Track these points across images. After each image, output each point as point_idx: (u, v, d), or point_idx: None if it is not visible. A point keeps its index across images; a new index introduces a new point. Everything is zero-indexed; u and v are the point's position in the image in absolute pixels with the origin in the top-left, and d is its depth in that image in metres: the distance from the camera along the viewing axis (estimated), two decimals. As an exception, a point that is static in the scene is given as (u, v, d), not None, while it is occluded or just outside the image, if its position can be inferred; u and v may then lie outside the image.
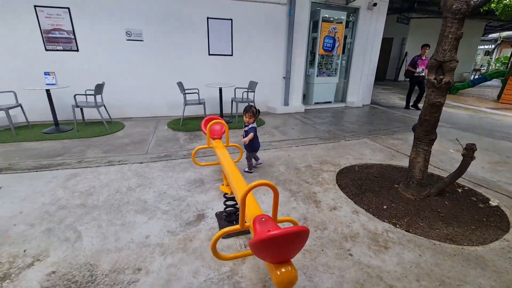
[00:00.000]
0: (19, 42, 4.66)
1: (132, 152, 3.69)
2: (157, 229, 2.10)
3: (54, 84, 4.41)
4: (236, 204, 2.12)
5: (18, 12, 4.53)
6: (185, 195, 2.60)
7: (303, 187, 2.81)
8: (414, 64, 6.89)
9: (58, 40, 4.82)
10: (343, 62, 7.50)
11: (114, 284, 1.59)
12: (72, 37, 4.87)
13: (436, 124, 2.48)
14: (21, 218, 2.20)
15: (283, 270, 1.10)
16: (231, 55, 5.98)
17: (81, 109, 4.77)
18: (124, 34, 5.12)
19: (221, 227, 2.10)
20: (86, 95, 4.62)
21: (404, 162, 3.45)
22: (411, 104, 7.43)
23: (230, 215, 2.15)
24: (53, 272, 1.68)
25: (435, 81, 2.32)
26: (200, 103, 5.10)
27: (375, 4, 6.80)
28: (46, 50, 4.80)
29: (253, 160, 3.20)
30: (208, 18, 5.54)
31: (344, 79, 7.69)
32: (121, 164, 3.29)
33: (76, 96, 4.42)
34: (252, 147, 3.06)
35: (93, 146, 3.91)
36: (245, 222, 1.36)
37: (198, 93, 5.11)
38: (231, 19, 5.72)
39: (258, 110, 3.07)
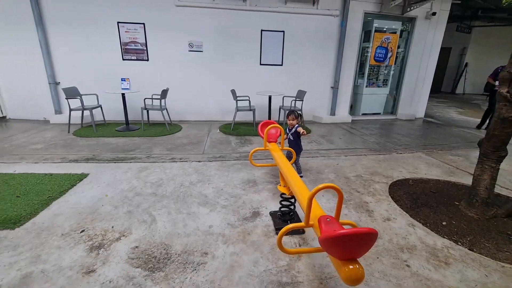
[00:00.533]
0: (103, 53, 5.49)
1: (191, 152, 4.07)
2: (218, 220, 2.33)
3: (128, 89, 5.09)
4: (291, 205, 2.25)
5: (104, 27, 5.36)
6: (240, 193, 2.82)
7: (354, 196, 2.82)
8: (497, 75, 6.25)
9: (133, 51, 5.56)
10: (395, 72, 7.23)
11: (186, 263, 1.82)
12: (145, 48, 5.57)
13: (508, 140, 2.33)
14: (107, 200, 2.62)
15: (351, 267, 1.19)
16: (281, 65, 6.21)
17: (148, 111, 5.39)
18: (187, 45, 5.68)
19: (275, 225, 2.24)
20: (152, 99, 5.22)
21: (465, 180, 3.23)
22: (484, 126, 6.15)
23: (284, 215, 2.29)
24: (136, 247, 1.98)
25: (507, 94, 2.20)
26: (250, 110, 5.38)
27: (434, 14, 6.48)
28: (123, 60, 5.57)
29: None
30: (262, 30, 5.87)
31: (395, 90, 7.39)
32: (182, 161, 3.66)
33: (145, 99, 5.03)
34: (299, 147, 3.15)
35: (157, 144, 4.40)
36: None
37: (249, 100, 5.41)
38: (283, 31, 5.97)
39: (300, 113, 3.30)
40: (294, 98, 5.56)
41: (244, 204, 2.60)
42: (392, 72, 7.05)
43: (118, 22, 5.35)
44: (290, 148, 2.76)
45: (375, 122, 6.75)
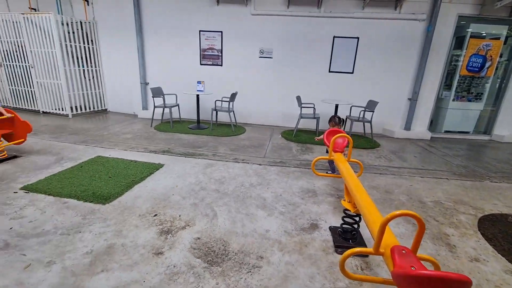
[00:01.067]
0: (184, 58, 6.14)
1: (252, 154, 4.18)
2: (275, 226, 2.32)
3: (202, 91, 5.55)
4: (355, 223, 2.08)
5: (188, 35, 5.99)
6: (299, 202, 2.75)
7: (432, 225, 2.45)
8: None
9: (210, 57, 6.06)
10: (493, 85, 6.07)
11: (242, 264, 1.86)
12: (220, 54, 6.01)
13: None
14: (177, 190, 2.89)
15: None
16: (352, 72, 5.89)
17: (217, 112, 5.78)
18: (258, 52, 5.91)
19: (335, 242, 2.11)
20: (222, 101, 5.58)
21: None
22: None
23: (346, 232, 2.14)
24: (198, 238, 2.12)
25: None
26: (314, 118, 5.25)
27: (559, 14, 5.23)
28: (201, 64, 6.12)
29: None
30: (334, 37, 5.69)
31: (492, 106, 6.20)
32: (244, 162, 3.79)
33: (216, 101, 5.41)
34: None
35: (222, 143, 4.67)
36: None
37: (314, 108, 5.28)
38: (358, 37, 5.66)
39: (343, 119, 3.40)
40: (363, 108, 5.19)
41: (302, 214, 2.53)
42: (488, 85, 5.94)
43: (200, 31, 5.91)
44: (357, 161, 2.57)
45: (462, 142, 5.78)
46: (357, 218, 2.05)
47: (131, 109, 6.80)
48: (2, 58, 6.34)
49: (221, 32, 5.90)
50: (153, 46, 6.19)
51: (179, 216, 2.41)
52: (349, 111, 5.58)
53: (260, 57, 5.95)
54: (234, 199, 2.74)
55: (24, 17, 5.68)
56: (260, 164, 3.75)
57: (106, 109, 7.03)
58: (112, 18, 6.24)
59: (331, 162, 3.30)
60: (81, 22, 6.16)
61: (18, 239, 1.99)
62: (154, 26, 6.04)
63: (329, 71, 5.93)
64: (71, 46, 5.99)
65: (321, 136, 3.65)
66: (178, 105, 5.82)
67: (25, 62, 6.10)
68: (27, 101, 6.49)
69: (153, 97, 5.44)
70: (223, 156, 4.03)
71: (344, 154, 2.62)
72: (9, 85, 6.51)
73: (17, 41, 6.05)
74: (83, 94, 6.42)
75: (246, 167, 3.64)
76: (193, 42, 6.01)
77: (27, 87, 6.33)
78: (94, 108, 6.73)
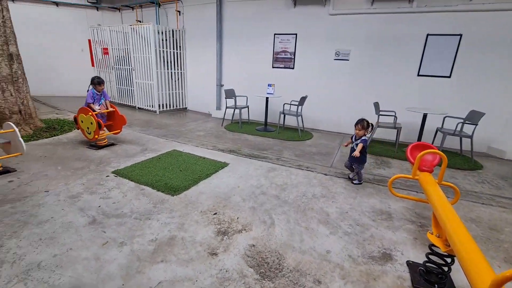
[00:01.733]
0: (257, 61, 6.26)
1: (318, 162, 3.91)
2: (338, 248, 2.05)
3: (272, 93, 5.55)
4: (445, 265, 1.64)
5: (262, 39, 6.09)
6: (368, 224, 2.39)
7: None
8: None
9: (282, 60, 6.01)
10: None
11: (296, 284, 1.68)
12: (292, 57, 5.91)
13: None
14: (238, 191, 2.89)
15: None
16: (449, 76, 4.93)
17: (284, 116, 5.69)
18: (333, 54, 5.55)
19: (414, 283, 1.71)
20: (290, 104, 5.46)
21: None
22: None
23: (430, 274, 1.71)
24: (253, 245, 2.04)
25: None
26: (394, 128, 4.59)
27: None
28: (273, 67, 6.14)
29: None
30: (428, 35, 4.87)
31: None
32: (308, 170, 3.57)
33: (284, 104, 5.32)
34: (362, 159, 3.12)
35: (288, 148, 4.53)
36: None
37: (395, 116, 4.62)
38: (460, 35, 4.70)
39: (371, 123, 3.14)
40: (462, 120, 4.27)
41: (372, 239, 2.18)
42: None
43: (275, 34, 5.94)
44: (452, 185, 2.05)
45: None
46: (449, 260, 1.61)
47: (206, 109, 7.35)
48: (114, 62, 7.73)
49: (295, 34, 5.78)
50: (230, 50, 6.54)
51: (237, 218, 2.38)
52: (442, 122, 4.68)
53: (336, 59, 5.57)
54: (294, 209, 2.57)
55: (131, 28, 6.77)
56: (325, 174, 3.47)
57: (186, 108, 7.79)
58: (197, 26, 6.87)
59: (359, 171, 3.17)
60: (172, 31, 6.98)
61: (103, 217, 2.29)
62: (232, 32, 6.36)
63: (418, 75, 5.10)
64: (163, 51, 6.84)
65: (348, 142, 3.43)
66: (248, 106, 5.97)
67: (129, 66, 7.28)
68: (128, 98, 7.73)
69: (226, 98, 5.72)
70: (287, 161, 3.89)
71: (431, 174, 2.14)
72: (116, 85, 7.89)
73: (124, 48, 7.27)
74: (169, 93, 7.26)
75: (310, 175, 3.41)
76: (267, 45, 6.08)
77: (129, 87, 7.54)
78: (176, 106, 7.53)
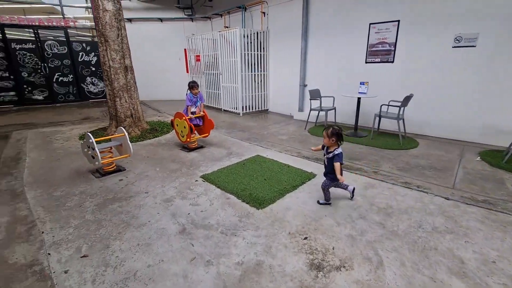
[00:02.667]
0: (347, 56, 5.58)
1: (433, 180, 3.08)
2: (491, 322, 1.40)
3: (365, 93, 4.82)
4: None
5: (354, 31, 5.37)
6: (538, 288, 1.60)
7: None
8: None
9: (378, 53, 5.16)
10: None
11: None
12: (392, 49, 4.99)
13: None
14: (330, 211, 2.47)
15: None
16: None
17: (380, 119, 4.87)
18: (451, 41, 4.39)
19: None
20: (388, 105, 4.61)
21: None
22: None
23: None
24: (357, 290, 1.60)
25: None
26: (556, 137, 3.24)
27: None
28: (366, 62, 5.35)
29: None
30: None
31: None
32: (420, 191, 2.82)
33: (382, 106, 4.52)
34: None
35: (386, 158, 3.80)
36: None
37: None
38: None
39: (342, 133, 2.43)
40: None
41: (553, 318, 1.42)
42: None
43: (370, 24, 5.14)
44: None
45: None
46: None
47: (288, 110, 7.09)
48: (204, 68, 8.34)
49: (398, 21, 4.84)
50: (315, 47, 6.06)
51: (332, 248, 1.98)
52: None
53: (455, 46, 4.38)
54: (409, 246, 1.98)
55: (219, 34, 7.11)
56: (447, 198, 2.66)
57: (267, 109, 7.73)
58: (281, 26, 6.65)
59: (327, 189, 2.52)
60: (257, 33, 6.99)
61: (191, 226, 2.27)
62: (319, 27, 5.87)
63: None
64: (247, 54, 6.92)
65: (317, 147, 2.66)
66: (334, 108, 5.38)
67: (216, 71, 7.70)
68: (215, 101, 8.22)
69: (310, 99, 5.30)
70: (388, 175, 3.21)
71: None
72: (205, 89, 8.50)
73: (213, 54, 7.72)
74: (251, 96, 7.33)
75: (424, 198, 2.67)
76: (359, 38, 5.33)
77: (216, 90, 7.99)
78: (258, 108, 7.55)
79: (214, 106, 8.27)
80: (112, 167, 3.40)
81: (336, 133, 2.43)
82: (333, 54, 5.80)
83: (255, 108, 7.52)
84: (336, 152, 2.42)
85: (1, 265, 1.83)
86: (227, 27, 8.29)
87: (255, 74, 7.26)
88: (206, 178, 3.23)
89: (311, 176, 3.23)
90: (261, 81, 7.42)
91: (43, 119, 6.84)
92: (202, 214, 2.46)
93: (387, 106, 4.69)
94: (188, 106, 4.27)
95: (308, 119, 5.56)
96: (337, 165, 2.37)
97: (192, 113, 4.26)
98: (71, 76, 9.26)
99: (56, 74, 9.01)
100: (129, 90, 5.25)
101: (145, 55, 9.35)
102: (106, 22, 4.64)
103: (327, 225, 2.26)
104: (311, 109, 5.34)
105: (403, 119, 4.56)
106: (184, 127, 4.02)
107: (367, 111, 5.37)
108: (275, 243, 2.04)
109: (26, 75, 8.58)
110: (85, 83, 9.60)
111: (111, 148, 3.39)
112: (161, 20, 9.37)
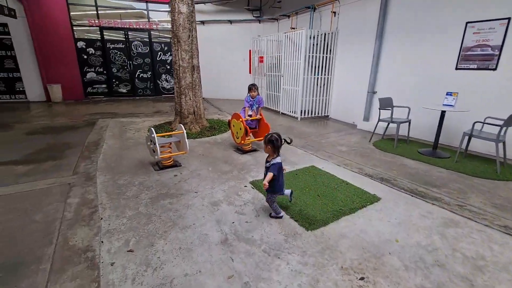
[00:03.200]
0: (431, 61, 4.75)
1: (549, 230, 2.31)
2: None
3: (452, 105, 4.01)
4: None
5: (444, 32, 4.52)
6: None
7: None
8: None
9: (475, 58, 4.24)
10: None
11: None
12: (496, 53, 4.03)
13: None
14: (396, 248, 2.04)
15: None
16: None
17: (470, 138, 3.99)
18: None
19: None
20: (484, 123, 3.72)
21: None
22: None
23: None
24: None
25: None
26: None
27: None
28: (456, 69, 4.46)
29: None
30: None
31: None
32: (529, 242, 2.13)
33: (475, 123, 3.67)
34: (273, 188, 2.26)
35: (476, 189, 3.05)
36: None
37: None
38: None
39: (282, 140, 2.29)
40: None
41: None
42: None
43: (467, 23, 4.25)
44: None
45: None
46: None
47: (350, 118, 6.50)
48: (266, 70, 8.31)
49: (508, 19, 3.87)
50: (391, 50, 5.35)
51: (396, 298, 1.59)
52: None
53: None
54: (512, 322, 1.46)
55: (285, 35, 6.94)
56: None
57: (327, 116, 7.24)
58: (353, 26, 6.10)
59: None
60: (324, 34, 6.58)
61: (234, 237, 2.14)
62: (399, 26, 5.15)
63: None
64: (311, 56, 6.58)
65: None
66: (409, 121, 4.64)
67: (278, 72, 7.56)
68: (274, 103, 8.10)
69: (380, 108, 4.69)
70: (479, 213, 2.54)
71: None
72: (266, 90, 8.45)
73: (277, 56, 7.61)
74: (312, 100, 6.96)
75: (536, 254, 2.00)
76: (449, 39, 4.47)
77: (276, 92, 7.87)
78: (318, 113, 7.13)
79: (273, 108, 8.16)
80: (169, 162, 3.56)
81: (271, 141, 2.24)
82: (412, 58, 5.02)
83: (315, 114, 7.12)
84: (272, 162, 2.26)
85: (63, 245, 2.01)
86: (294, 28, 8.07)
87: (318, 78, 6.86)
88: (255, 185, 3.10)
89: (374, 199, 2.78)
90: (323, 85, 6.97)
91: (123, 110, 7.78)
92: (246, 225, 2.32)
93: (481, 124, 3.80)
94: (245, 107, 4.22)
95: (375, 131, 4.94)
96: (269, 174, 2.22)
97: (249, 115, 4.19)
98: (150, 73, 10.37)
99: (138, 71, 10.20)
100: (194, 89, 5.50)
101: (212, 55, 9.83)
102: (180, 24, 4.93)
103: (391, 267, 1.86)
104: (379, 120, 4.73)
105: (504, 142, 3.62)
106: (240, 129, 3.98)
107: (452, 127, 4.49)
108: (323, 277, 1.75)
109: (115, 70, 9.94)
110: (160, 80, 10.64)
111: (170, 143, 3.55)
112: (230, 22, 9.71)
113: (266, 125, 4.10)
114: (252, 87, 4.18)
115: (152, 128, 3.28)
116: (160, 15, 10.19)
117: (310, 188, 3.02)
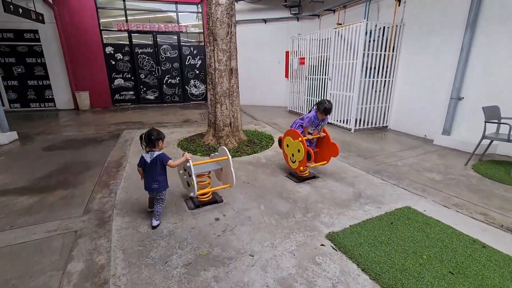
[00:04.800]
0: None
1: None
2: None
3: None
4: None
5: None
6: None
7: None
8: None
9: None
10: None
11: None
12: None
13: None
14: None
15: None
16: None
17: None
18: None
19: None
20: None
21: None
22: None
23: None
24: None
25: None
26: None
27: None
28: None
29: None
30: None
31: None
32: None
33: None
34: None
35: None
36: None
37: None
38: None
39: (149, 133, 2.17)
40: None
41: None
42: None
43: None
44: None
45: None
46: None
47: (421, 131, 5.23)
48: (308, 72, 7.25)
49: None
50: (487, 43, 4.07)
51: None
52: None
53: None
54: None
55: (335, 31, 5.87)
56: None
57: (386, 126, 6.00)
58: (427, 16, 4.87)
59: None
60: (383, 28, 5.41)
61: None
62: (501, 11, 3.87)
63: None
64: (367, 55, 5.43)
65: None
66: (528, 138, 3.34)
67: (324, 75, 6.47)
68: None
69: (486, 122, 3.44)
70: None
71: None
72: (306, 96, 7.39)
73: (321, 56, 6.53)
74: (367, 108, 5.78)
75: None
76: None
77: (320, 98, 6.77)
78: (374, 124, 5.93)
79: (315, 116, 7.06)
80: (207, 197, 2.64)
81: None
82: (523, 53, 3.72)
83: (370, 124, 5.92)
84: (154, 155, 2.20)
85: None
86: (340, 24, 6.96)
87: (374, 81, 5.67)
88: (337, 242, 2.06)
89: (552, 284, 1.63)
90: (382, 89, 5.76)
91: (151, 118, 7.13)
92: None
93: None
94: (304, 127, 3.13)
95: (475, 151, 3.67)
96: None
97: (309, 133, 3.15)
98: (178, 78, 9.74)
99: (167, 76, 9.62)
100: (231, 96, 4.61)
101: (243, 57, 8.96)
102: (217, 18, 4.06)
103: None
104: (484, 137, 3.49)
105: None
106: (298, 151, 2.97)
107: None
108: None
109: (143, 76, 9.43)
110: (189, 86, 9.97)
111: (209, 172, 2.63)
112: (265, 21, 8.81)
113: (333, 145, 3.02)
114: (329, 109, 2.94)
115: (188, 157, 2.36)
116: (189, 19, 9.57)
117: (425, 253, 1.92)
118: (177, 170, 2.75)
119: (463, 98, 4.44)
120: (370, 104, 5.77)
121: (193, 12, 9.59)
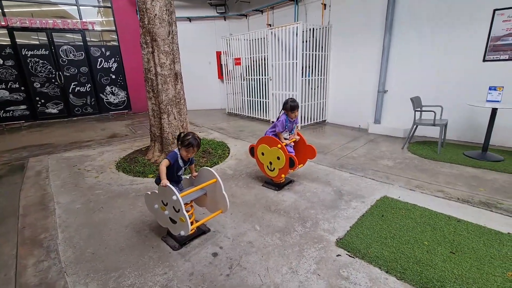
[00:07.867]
0: (451, 54, 4.36)
1: None
2: None
3: (498, 101, 3.60)
4: None
5: (465, 21, 4.15)
6: None
7: None
8: None
9: (506, 48, 3.94)
10: None
11: None
12: (530, 42, 3.77)
13: None
14: None
15: None
16: None
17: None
18: None
19: None
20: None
21: None
22: None
23: None
24: None
25: None
26: None
27: None
28: (484, 61, 4.12)
29: None
30: None
31: None
32: None
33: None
34: None
35: None
36: None
37: None
38: None
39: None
40: None
41: None
42: None
43: (494, 10, 3.92)
44: None
45: None
46: None
47: (355, 122, 5.87)
48: (246, 73, 7.16)
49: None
50: (402, 44, 4.84)
51: None
52: None
53: None
54: None
55: (271, 32, 5.94)
56: None
57: (325, 121, 6.51)
58: (351, 19, 5.46)
59: None
60: (313, 29, 5.80)
61: None
62: (411, 18, 4.65)
63: None
64: (302, 55, 5.72)
65: None
66: (446, 122, 4.10)
67: (263, 75, 6.51)
68: (259, 111, 7.03)
69: (415, 110, 4.07)
70: None
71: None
72: (246, 97, 7.31)
73: (259, 56, 6.55)
74: (308, 104, 6.11)
75: None
76: (474, 29, 4.11)
77: (262, 98, 6.80)
78: (314, 119, 6.33)
79: (259, 117, 7.07)
80: (192, 229, 2.20)
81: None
82: (429, 53, 4.57)
83: (311, 120, 6.30)
84: None
85: None
86: (270, 25, 7.13)
87: (310, 79, 6.04)
88: (350, 249, 2.02)
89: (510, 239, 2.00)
90: (317, 86, 6.20)
91: (62, 138, 5.70)
92: None
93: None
94: (277, 132, 2.98)
95: (410, 135, 4.30)
96: None
97: (285, 138, 3.02)
98: (89, 85, 8.13)
99: (73, 84, 7.89)
100: (179, 104, 4.07)
101: (172, 60, 8.21)
102: (156, 14, 3.47)
103: None
104: (415, 124, 4.12)
105: None
106: (278, 158, 2.82)
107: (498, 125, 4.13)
108: None
109: (39, 85, 7.47)
110: (104, 93, 8.46)
111: (191, 202, 2.19)
112: (189, 19, 8.25)
113: (309, 147, 3.00)
114: (295, 106, 2.89)
115: (171, 186, 1.88)
116: (91, 14, 8.08)
117: (423, 239, 2.09)
118: (144, 202, 2.20)
119: (387, 91, 5.18)
120: (309, 101, 6.12)
121: (97, 6, 8.13)
